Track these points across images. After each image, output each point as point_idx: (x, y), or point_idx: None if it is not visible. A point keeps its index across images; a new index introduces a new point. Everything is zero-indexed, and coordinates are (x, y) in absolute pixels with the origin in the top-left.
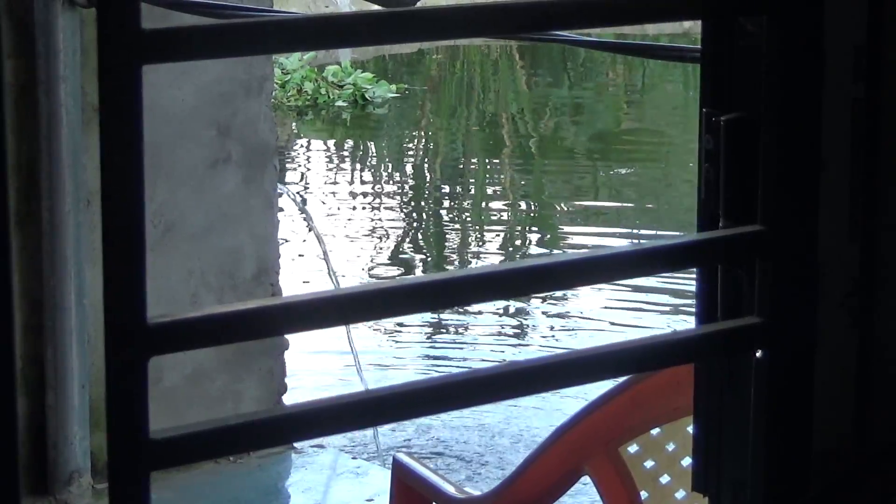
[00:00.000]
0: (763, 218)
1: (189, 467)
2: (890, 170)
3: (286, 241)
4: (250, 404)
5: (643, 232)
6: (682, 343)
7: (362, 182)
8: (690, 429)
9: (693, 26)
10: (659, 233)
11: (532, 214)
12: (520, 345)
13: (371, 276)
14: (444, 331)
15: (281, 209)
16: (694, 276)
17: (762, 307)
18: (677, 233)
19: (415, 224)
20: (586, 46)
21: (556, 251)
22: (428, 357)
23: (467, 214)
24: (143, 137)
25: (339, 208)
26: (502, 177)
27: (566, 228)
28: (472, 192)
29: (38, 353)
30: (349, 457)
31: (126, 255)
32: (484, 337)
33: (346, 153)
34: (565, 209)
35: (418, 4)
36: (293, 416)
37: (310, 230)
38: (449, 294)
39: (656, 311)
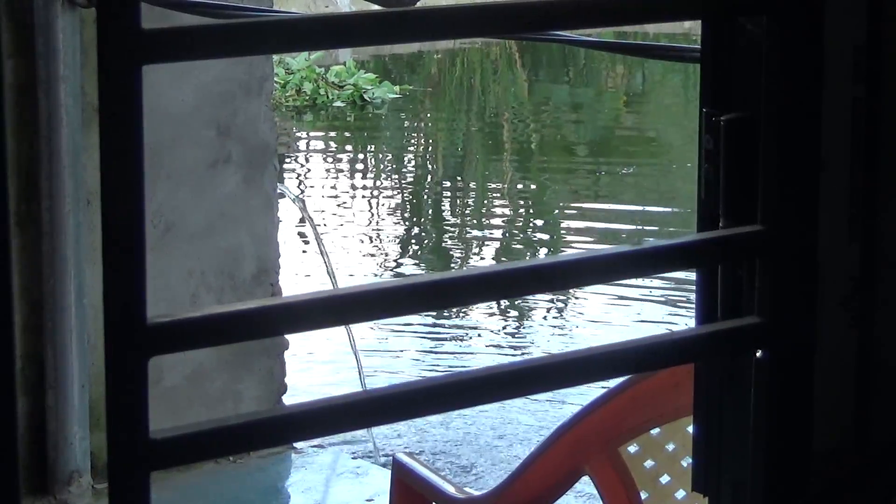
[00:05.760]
0: (763, 218)
1: (189, 467)
2: (890, 170)
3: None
4: (250, 404)
5: (643, 232)
6: (682, 343)
7: (362, 182)
8: (690, 429)
9: (693, 26)
10: (659, 232)
11: (532, 214)
12: (520, 344)
13: (371, 275)
14: (444, 330)
15: (281, 199)
16: (694, 275)
17: (762, 307)
18: (677, 233)
19: (415, 224)
20: (586, 46)
21: (556, 251)
22: (428, 357)
23: (467, 214)
24: (143, 137)
25: (338, 207)
26: (502, 177)
27: (566, 228)
28: (473, 191)
29: (38, 353)
30: (349, 457)
31: (126, 255)
32: (484, 337)
33: (345, 154)
34: (565, 209)
35: (418, 4)
36: (293, 416)
37: (305, 223)
38: (449, 294)
39: (656, 310)
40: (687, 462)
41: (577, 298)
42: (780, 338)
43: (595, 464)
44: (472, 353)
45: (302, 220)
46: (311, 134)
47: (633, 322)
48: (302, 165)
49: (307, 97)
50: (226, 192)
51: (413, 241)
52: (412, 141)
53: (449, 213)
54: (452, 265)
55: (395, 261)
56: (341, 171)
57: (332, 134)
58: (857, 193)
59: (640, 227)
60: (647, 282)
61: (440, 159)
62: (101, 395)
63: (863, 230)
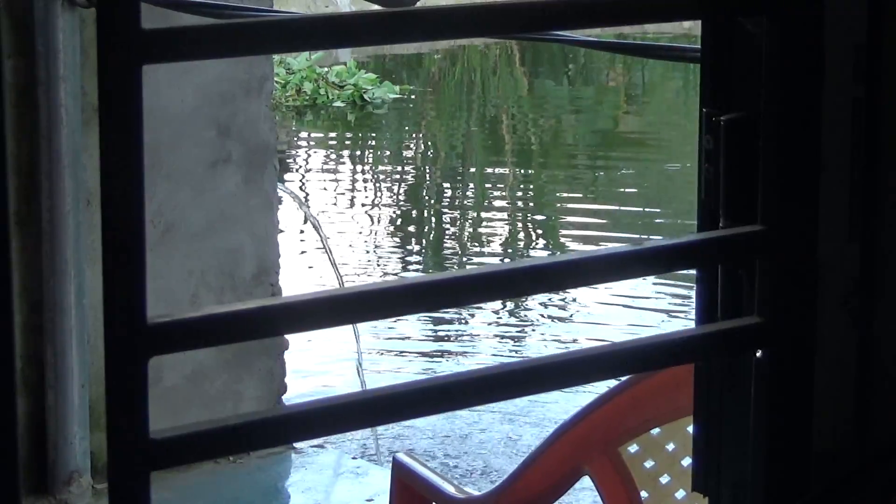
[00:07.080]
0: (763, 218)
1: (189, 467)
2: (890, 170)
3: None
4: (250, 404)
5: (643, 232)
6: (682, 343)
7: (363, 182)
8: (690, 429)
9: (693, 26)
10: (659, 233)
11: (532, 214)
12: (520, 344)
13: (371, 275)
14: (444, 330)
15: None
16: (694, 276)
17: (762, 307)
18: (677, 233)
19: (415, 224)
20: (586, 46)
21: (555, 251)
22: (428, 357)
23: (467, 214)
24: (143, 137)
25: (338, 207)
26: (502, 176)
27: (566, 228)
28: (472, 191)
29: (38, 353)
30: (349, 457)
31: (126, 256)
32: (484, 336)
33: (345, 154)
34: (565, 209)
35: (418, 4)
36: (293, 416)
37: (310, 224)
38: (449, 294)
39: (656, 309)
40: (687, 462)
41: (577, 298)
42: (780, 338)
43: (595, 464)
44: (471, 353)
45: (304, 220)
46: (312, 134)
47: (634, 322)
48: (304, 164)
49: (307, 97)
50: (226, 192)
51: (413, 240)
52: (412, 141)
53: (449, 212)
54: (452, 264)
55: (395, 259)
56: (342, 171)
57: (333, 134)
58: (857, 193)
59: (639, 227)
60: (647, 281)
61: (440, 159)
62: (101, 395)
63: (863, 230)
